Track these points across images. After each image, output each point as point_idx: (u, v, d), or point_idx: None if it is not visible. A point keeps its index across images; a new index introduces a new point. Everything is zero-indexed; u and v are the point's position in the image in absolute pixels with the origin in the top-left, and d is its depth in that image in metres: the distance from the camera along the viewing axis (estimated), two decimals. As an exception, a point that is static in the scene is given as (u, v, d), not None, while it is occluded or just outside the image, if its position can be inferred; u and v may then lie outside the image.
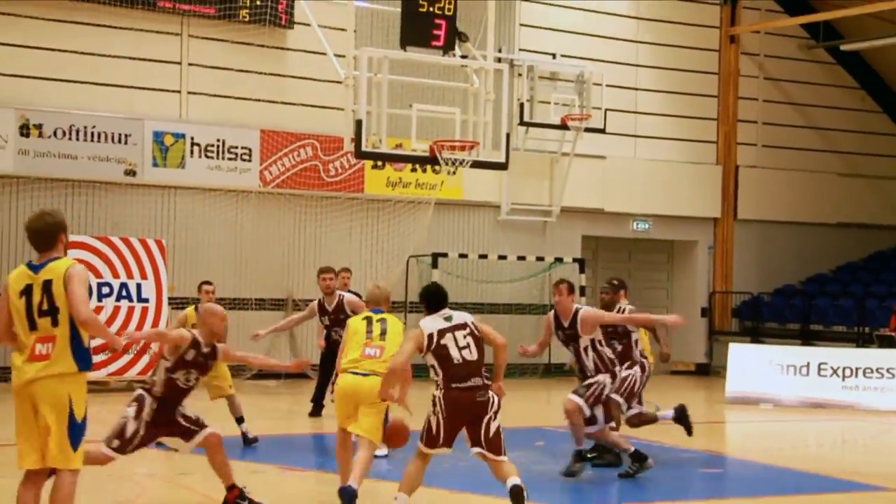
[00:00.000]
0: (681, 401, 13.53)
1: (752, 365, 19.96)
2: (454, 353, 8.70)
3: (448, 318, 8.87)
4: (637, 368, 12.27)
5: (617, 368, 11.61)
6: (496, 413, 8.73)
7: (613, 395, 11.62)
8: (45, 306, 7.18)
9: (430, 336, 8.74)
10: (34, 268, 7.31)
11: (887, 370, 19.06)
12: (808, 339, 23.93)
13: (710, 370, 25.46)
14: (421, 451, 8.78)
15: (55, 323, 7.18)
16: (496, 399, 8.75)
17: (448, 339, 8.74)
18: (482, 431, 8.64)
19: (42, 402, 7.23)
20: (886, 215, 27.82)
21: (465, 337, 8.78)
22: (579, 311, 11.26)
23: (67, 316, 7.17)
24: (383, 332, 9.52)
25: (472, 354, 8.74)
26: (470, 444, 8.75)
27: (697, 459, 13.35)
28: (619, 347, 12.20)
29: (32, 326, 7.22)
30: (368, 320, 9.68)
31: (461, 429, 8.74)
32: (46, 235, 7.36)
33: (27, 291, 7.23)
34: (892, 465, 11.61)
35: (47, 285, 7.19)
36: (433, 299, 9.01)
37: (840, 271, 26.98)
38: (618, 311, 12.15)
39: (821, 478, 12.18)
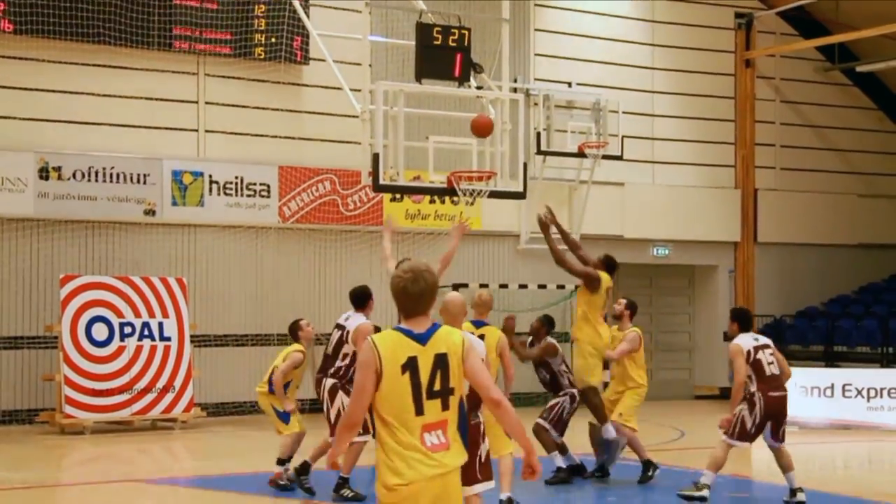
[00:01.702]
0: (707, 425, 13.49)
1: (777, 388, 19.84)
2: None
3: None
4: (566, 397, 13.25)
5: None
6: None
7: (540, 421, 13.02)
8: (437, 386, 5.76)
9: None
10: (419, 337, 5.79)
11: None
12: (831, 360, 23.79)
13: (734, 395, 25.30)
14: None
15: (446, 407, 5.79)
16: None
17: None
18: None
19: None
20: (908, 235, 27.70)
21: None
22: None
23: (458, 398, 5.87)
24: None
25: None
26: None
27: (725, 484, 13.28)
28: (547, 376, 13.44)
29: (419, 411, 5.73)
30: None
31: None
32: (429, 297, 5.87)
33: (411, 366, 5.75)
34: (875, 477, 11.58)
35: (440, 360, 5.77)
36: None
37: (862, 292, 26.86)
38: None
39: (849, 500, 12.11)
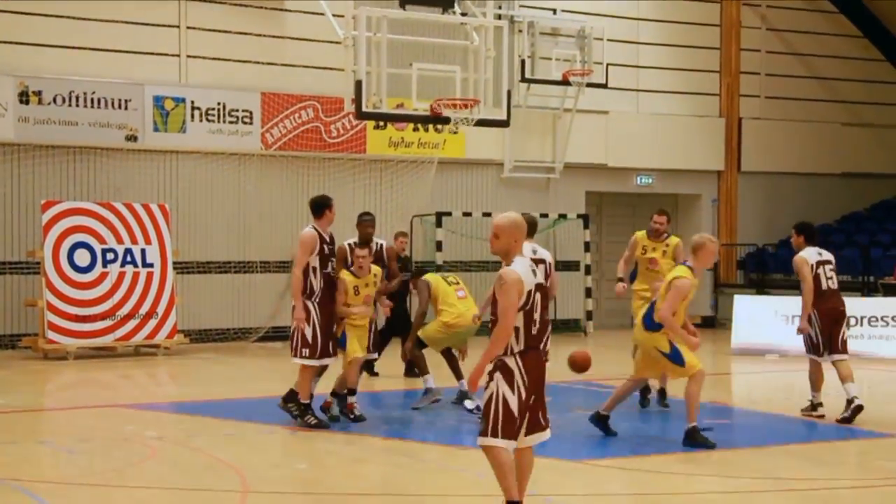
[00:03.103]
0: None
1: (758, 316, 20.01)
2: None
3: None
4: None
5: None
6: None
7: None
8: None
9: None
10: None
11: (892, 318, 19.08)
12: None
13: (715, 322, 25.49)
14: None
15: None
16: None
17: None
18: None
19: None
20: (890, 164, 27.75)
21: None
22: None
23: None
24: None
25: None
26: None
27: (703, 411, 13.37)
28: None
29: None
30: None
31: None
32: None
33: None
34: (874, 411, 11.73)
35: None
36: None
37: (844, 221, 26.95)
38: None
39: (826, 426, 12.23)
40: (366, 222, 12.96)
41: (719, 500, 9.00)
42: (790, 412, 13.06)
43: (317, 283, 11.58)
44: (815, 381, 12.70)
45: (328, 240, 11.74)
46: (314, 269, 11.58)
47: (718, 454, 10.61)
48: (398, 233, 17.28)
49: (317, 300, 11.57)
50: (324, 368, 12.07)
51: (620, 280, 13.79)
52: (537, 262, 11.65)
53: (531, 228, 11.42)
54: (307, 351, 11.55)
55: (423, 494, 9.12)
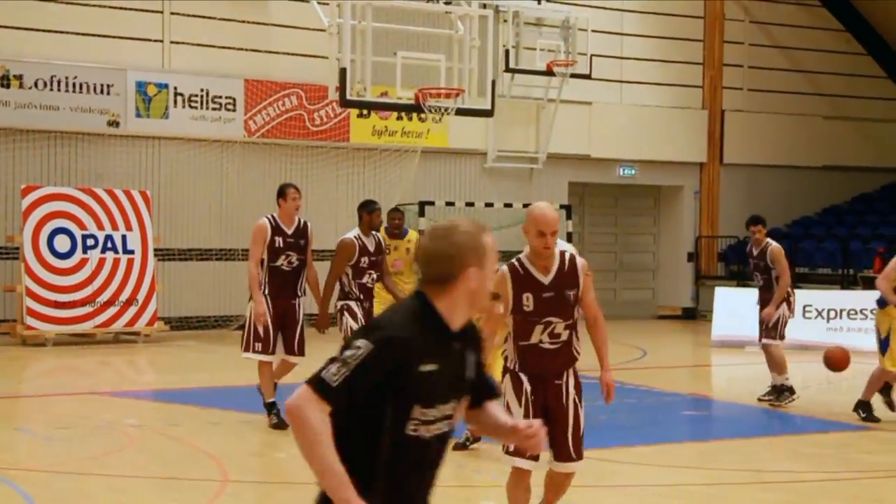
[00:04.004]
0: (669, 344, 13.63)
1: (738, 308, 20.00)
2: None
3: None
4: None
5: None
6: None
7: None
8: None
9: None
10: None
11: (871, 311, 19.10)
12: (792, 281, 23.90)
13: (696, 314, 25.55)
14: None
15: None
16: None
17: None
18: None
19: None
20: (871, 157, 27.83)
21: None
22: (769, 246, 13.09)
23: None
24: None
25: None
26: None
27: (683, 402, 13.43)
28: None
29: None
30: None
31: None
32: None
33: None
34: (876, 405, 11.73)
35: None
36: None
37: (825, 214, 27.04)
38: None
39: (806, 418, 12.28)
40: (391, 212, 12.57)
41: (698, 491, 9.02)
42: (767, 405, 13.09)
43: (261, 274, 10.90)
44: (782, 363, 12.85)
45: (290, 232, 11.09)
46: (261, 261, 10.94)
47: (698, 446, 10.64)
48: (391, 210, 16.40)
49: (265, 292, 10.88)
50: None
51: None
52: None
53: None
54: (259, 345, 10.89)
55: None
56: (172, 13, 20.77)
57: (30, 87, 19.32)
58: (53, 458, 9.91)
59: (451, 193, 23.25)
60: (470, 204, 23.02)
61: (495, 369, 8.69)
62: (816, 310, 19.38)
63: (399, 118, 22.02)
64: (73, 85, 19.65)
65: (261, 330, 10.87)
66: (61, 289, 18.42)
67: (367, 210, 11.53)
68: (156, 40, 20.70)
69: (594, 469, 9.85)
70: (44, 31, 19.73)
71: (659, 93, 25.80)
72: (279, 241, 11.04)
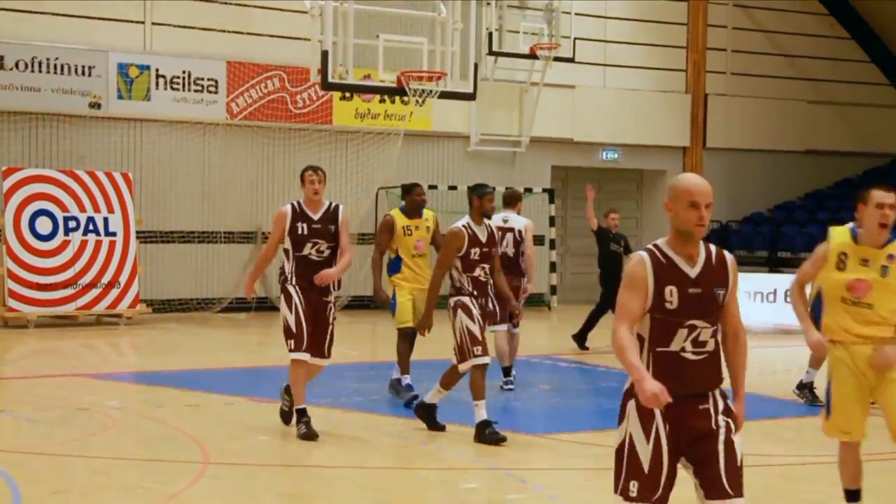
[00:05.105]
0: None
1: (721, 292, 20.07)
2: None
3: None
4: None
5: None
6: None
7: None
8: None
9: None
10: None
11: (854, 296, 19.22)
12: (775, 266, 24.06)
13: (679, 298, 25.56)
14: None
15: None
16: None
17: None
18: None
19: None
20: (854, 142, 27.91)
21: None
22: None
23: None
24: None
25: None
26: None
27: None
28: None
29: None
30: None
31: None
32: None
33: None
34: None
35: None
36: None
37: (808, 199, 27.11)
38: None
39: (788, 403, 12.32)
40: (412, 188, 12.15)
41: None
42: (753, 388, 13.11)
43: (288, 265, 9.92)
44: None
45: (315, 217, 9.88)
46: (286, 250, 9.96)
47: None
48: (609, 209, 17.31)
49: (293, 283, 9.88)
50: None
51: None
52: (505, 230, 11.90)
53: (512, 200, 12.86)
54: (292, 342, 9.85)
55: (385, 468, 9.12)
56: (154, -6, 20.66)
57: (11, 69, 19.21)
58: (35, 440, 9.88)
59: (434, 177, 23.22)
60: (453, 187, 23.02)
61: None
62: (798, 294, 19.43)
63: (382, 101, 21.97)
64: (55, 66, 19.54)
65: (293, 324, 9.77)
66: (43, 271, 18.35)
67: (478, 194, 10.35)
68: (138, 22, 20.59)
69: (575, 452, 9.87)
70: (24, 11, 19.61)
71: (642, 76, 25.79)
72: (303, 227, 9.83)
